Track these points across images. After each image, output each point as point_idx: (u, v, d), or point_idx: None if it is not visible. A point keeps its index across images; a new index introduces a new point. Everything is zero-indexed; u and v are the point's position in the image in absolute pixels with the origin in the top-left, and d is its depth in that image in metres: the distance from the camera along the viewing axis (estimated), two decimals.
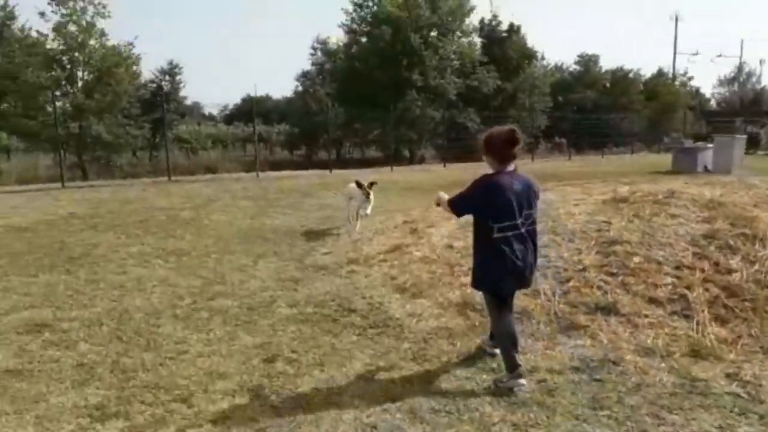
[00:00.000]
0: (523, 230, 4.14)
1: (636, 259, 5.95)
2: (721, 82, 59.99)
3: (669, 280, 5.66)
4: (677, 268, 5.82)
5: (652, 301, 5.48)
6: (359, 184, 9.39)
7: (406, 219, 9.36)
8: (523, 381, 4.14)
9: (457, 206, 4.38)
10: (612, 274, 5.86)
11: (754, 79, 58.56)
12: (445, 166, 24.81)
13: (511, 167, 4.16)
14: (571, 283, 5.82)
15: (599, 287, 5.70)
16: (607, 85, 46.23)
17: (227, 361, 4.66)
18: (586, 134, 32.66)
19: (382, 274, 6.84)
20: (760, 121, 37.46)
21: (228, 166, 27.16)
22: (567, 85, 44.53)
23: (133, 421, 3.75)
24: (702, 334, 5.04)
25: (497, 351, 4.50)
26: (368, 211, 9.31)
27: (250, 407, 3.94)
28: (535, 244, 4.28)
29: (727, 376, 4.51)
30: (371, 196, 9.29)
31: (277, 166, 26.05)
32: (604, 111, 37.14)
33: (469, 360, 4.75)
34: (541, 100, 36.56)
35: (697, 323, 5.17)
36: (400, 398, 4.07)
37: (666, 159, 22.92)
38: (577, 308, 5.49)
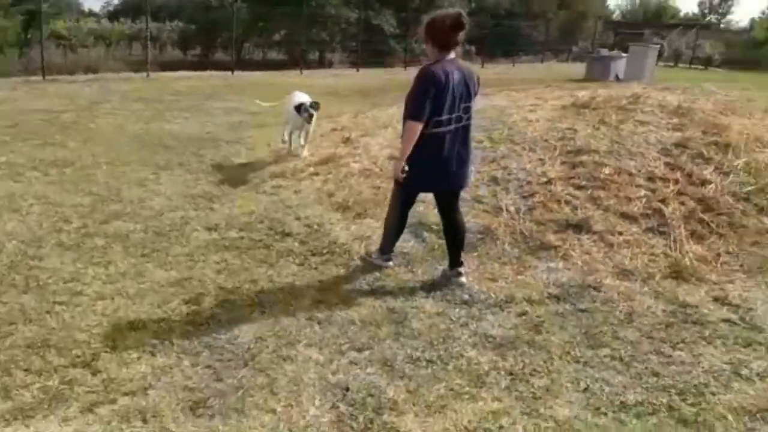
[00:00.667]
0: (459, 125, 3.89)
1: (606, 170, 5.44)
2: None
3: (642, 192, 5.20)
4: (650, 179, 5.37)
5: (625, 216, 5.02)
6: (298, 109, 7.05)
7: (335, 126, 8.41)
8: (391, 263, 4.39)
9: (417, 115, 3.74)
10: (580, 187, 5.33)
11: None
12: (358, 70, 23.53)
13: (451, 55, 3.86)
14: (536, 198, 5.23)
15: (567, 202, 5.16)
16: None
17: (137, 305, 3.73)
18: (498, 42, 31.93)
19: (315, 190, 5.97)
20: (661, 33, 38.34)
21: (112, 65, 24.33)
22: None
23: (16, 401, 2.77)
24: (680, 253, 4.64)
25: (390, 264, 4.41)
26: (302, 142, 7.32)
27: (178, 369, 3.08)
28: (468, 141, 4.04)
29: (715, 299, 4.17)
30: (313, 121, 7.13)
31: (169, 66, 23.62)
32: (517, 18, 36.53)
33: (435, 290, 4.10)
34: (457, 3, 35.22)
35: (674, 240, 4.76)
36: (367, 346, 3.37)
37: (576, 68, 22.89)
38: (545, 226, 4.93)
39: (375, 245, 4.64)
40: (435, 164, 3.92)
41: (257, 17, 27.60)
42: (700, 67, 27.66)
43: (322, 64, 28.19)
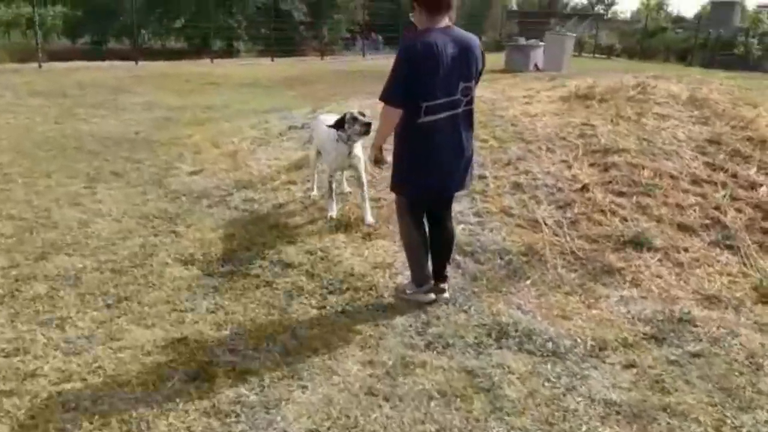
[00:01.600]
0: (459, 110, 3.18)
1: (645, 173, 4.79)
2: None
3: (692, 199, 4.59)
4: (694, 182, 4.77)
5: (683, 228, 4.38)
6: (341, 124, 4.47)
7: (292, 124, 7.35)
8: (432, 296, 3.54)
9: (390, 97, 3.07)
10: (621, 194, 4.66)
11: None
12: (273, 60, 22.22)
13: (444, 21, 3.12)
14: (575, 209, 4.50)
15: (613, 212, 4.46)
16: None
17: (123, 390, 2.64)
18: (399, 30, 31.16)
19: (298, 204, 4.96)
20: (559, 22, 39.28)
21: None
22: None
23: None
24: (753, 269, 4.05)
25: (431, 297, 3.55)
26: (364, 194, 4.65)
27: None
28: (470, 132, 3.31)
29: None
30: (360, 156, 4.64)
31: (59, 56, 21.32)
32: None
33: (503, 335, 3.28)
34: None
35: (745, 256, 4.17)
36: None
37: (490, 57, 22.58)
38: (598, 243, 4.21)
39: (404, 276, 3.75)
40: (429, 161, 3.19)
41: (154, 2, 25.48)
42: (603, 56, 28.30)
43: (229, 53, 26.49)
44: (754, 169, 4.92)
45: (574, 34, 23.33)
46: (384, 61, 22.47)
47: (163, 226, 4.52)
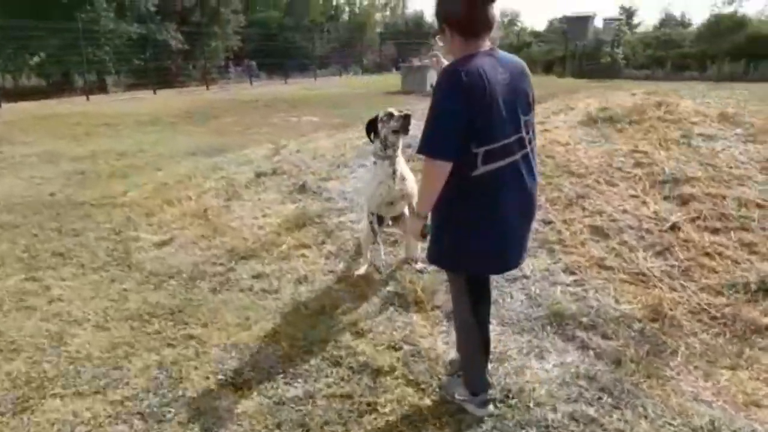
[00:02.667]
0: (522, 152, 2.40)
1: (731, 204, 4.22)
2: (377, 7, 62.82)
3: None
4: None
5: None
6: (373, 127, 3.66)
7: (259, 170, 6.22)
8: (490, 410, 2.67)
9: (438, 149, 2.26)
10: (716, 231, 4.06)
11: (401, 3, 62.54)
12: (155, 92, 20.51)
13: (486, 44, 2.36)
14: (679, 254, 3.83)
15: (721, 254, 3.85)
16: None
17: None
18: (276, 56, 30.24)
19: (330, 276, 3.96)
20: (428, 42, 40.07)
21: None
22: (252, 1, 41.54)
23: None
24: None
25: (489, 411, 2.68)
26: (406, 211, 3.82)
27: None
28: (535, 177, 2.50)
29: None
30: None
31: None
32: (290, 31, 35.66)
33: None
34: (234, 18, 32.94)
35: None
36: None
37: (370, 80, 22.42)
38: (724, 296, 3.55)
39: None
40: (494, 224, 2.40)
41: (6, 39, 22.58)
42: None
43: (102, 88, 24.26)
44: None
45: None
46: (274, 88, 21.68)
47: (171, 331, 3.34)
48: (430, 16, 47.49)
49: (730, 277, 3.67)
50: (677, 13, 44.13)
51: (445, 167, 2.26)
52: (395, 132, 3.57)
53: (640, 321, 3.34)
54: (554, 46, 27.77)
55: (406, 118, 3.53)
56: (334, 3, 50.32)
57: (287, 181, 5.66)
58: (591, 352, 3.12)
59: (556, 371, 2.94)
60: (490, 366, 2.84)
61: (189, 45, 26.77)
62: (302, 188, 5.42)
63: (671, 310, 3.42)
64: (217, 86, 24.16)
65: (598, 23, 30.23)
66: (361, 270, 3.91)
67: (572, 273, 3.75)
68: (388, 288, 3.74)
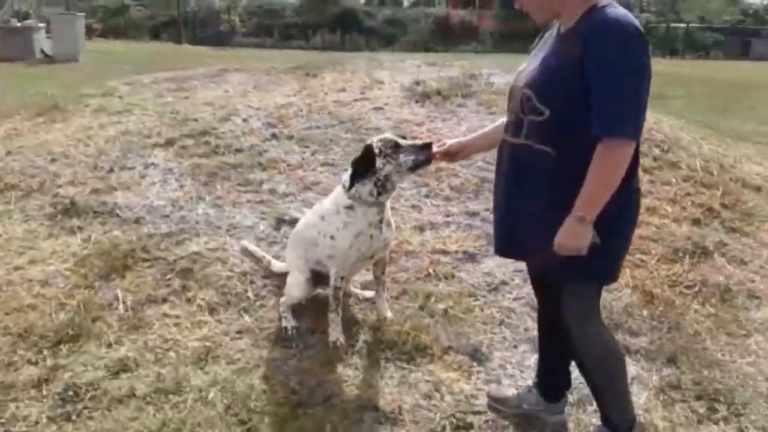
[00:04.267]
0: None
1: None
2: None
3: None
4: None
5: None
6: (366, 164, 2.49)
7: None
8: None
9: (635, 128, 1.80)
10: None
11: None
12: None
13: None
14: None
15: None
16: None
17: None
18: None
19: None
20: None
21: None
22: None
23: None
24: None
25: None
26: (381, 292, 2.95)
27: None
28: None
29: None
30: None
31: None
32: None
33: None
34: None
35: None
36: None
37: None
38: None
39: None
40: (634, 224, 2.13)
41: None
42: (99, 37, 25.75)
43: None
44: None
45: (83, 14, 19.94)
46: None
47: None
48: None
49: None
50: None
51: (629, 152, 1.81)
52: (412, 169, 2.53)
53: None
54: (158, 10, 25.81)
55: (429, 147, 2.46)
56: None
57: (32, 201, 3.77)
58: None
59: None
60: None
61: None
62: (72, 209, 3.67)
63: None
64: None
65: None
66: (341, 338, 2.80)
67: None
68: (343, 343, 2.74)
